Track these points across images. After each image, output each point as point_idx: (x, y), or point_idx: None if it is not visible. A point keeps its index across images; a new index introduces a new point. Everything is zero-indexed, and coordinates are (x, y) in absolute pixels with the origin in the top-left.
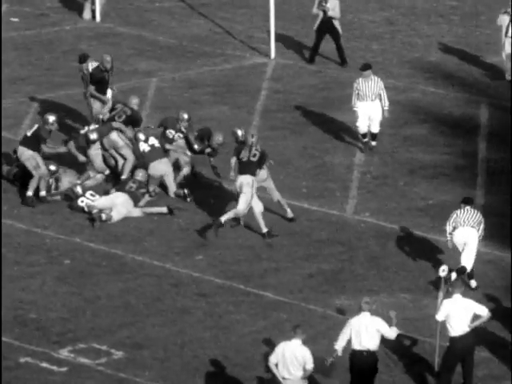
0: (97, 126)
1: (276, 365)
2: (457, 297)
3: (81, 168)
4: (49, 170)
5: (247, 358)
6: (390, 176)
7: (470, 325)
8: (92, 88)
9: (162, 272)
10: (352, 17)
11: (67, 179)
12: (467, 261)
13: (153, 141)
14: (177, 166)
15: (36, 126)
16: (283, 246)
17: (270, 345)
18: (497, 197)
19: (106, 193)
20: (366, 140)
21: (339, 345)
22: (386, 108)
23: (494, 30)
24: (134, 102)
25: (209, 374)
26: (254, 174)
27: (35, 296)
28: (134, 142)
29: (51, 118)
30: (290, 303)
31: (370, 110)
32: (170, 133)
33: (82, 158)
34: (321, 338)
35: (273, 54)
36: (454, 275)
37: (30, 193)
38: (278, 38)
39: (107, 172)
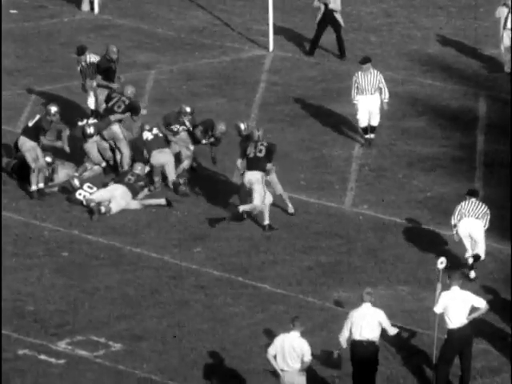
0: (95, 120)
1: (274, 357)
2: (455, 289)
3: (79, 160)
4: (46, 163)
5: (245, 351)
6: (388, 168)
7: (468, 317)
8: (99, 78)
9: (160, 264)
10: (350, 9)
11: (65, 171)
12: (480, 249)
13: (157, 131)
14: (178, 159)
15: (38, 117)
16: (281, 239)
17: (269, 337)
18: (495, 189)
19: (105, 185)
20: (367, 137)
21: (343, 337)
22: (386, 101)
23: (493, 22)
24: (130, 91)
25: (207, 366)
26: (262, 169)
27: (33, 288)
28: (139, 130)
29: (53, 109)
30: (288, 295)
31: (369, 103)
32: (175, 127)
33: (67, 148)
34: (319, 330)
35: (271, 47)
36: (470, 260)
37: (34, 187)
38: (277, 30)
39: (103, 164)
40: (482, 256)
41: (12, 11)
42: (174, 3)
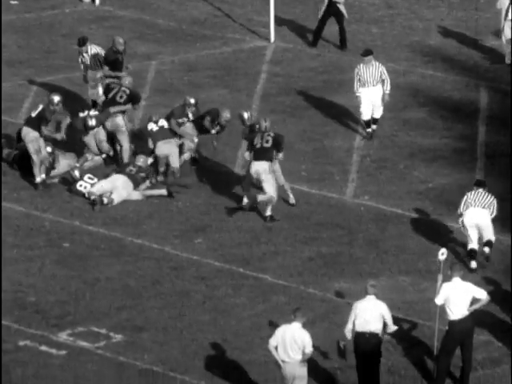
0: (96, 112)
1: (276, 348)
2: (456, 280)
3: (79, 152)
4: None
5: (246, 342)
6: (389, 159)
7: (469, 308)
8: (106, 69)
9: (162, 255)
10: (353, 0)
11: (66, 161)
12: (489, 234)
13: (163, 122)
14: (180, 151)
15: (41, 107)
16: (283, 229)
17: (270, 328)
18: (496, 180)
19: (106, 176)
20: (369, 130)
21: (348, 329)
22: (387, 92)
23: (494, 13)
24: (128, 81)
25: (208, 357)
26: (270, 159)
27: (34, 279)
28: (146, 120)
29: (56, 99)
30: (289, 286)
31: (372, 95)
32: (182, 119)
33: (63, 135)
34: (320, 321)
35: (272, 38)
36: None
37: (38, 179)
38: (278, 21)
39: (103, 155)
40: (493, 238)
41: (13, 2)
42: None
